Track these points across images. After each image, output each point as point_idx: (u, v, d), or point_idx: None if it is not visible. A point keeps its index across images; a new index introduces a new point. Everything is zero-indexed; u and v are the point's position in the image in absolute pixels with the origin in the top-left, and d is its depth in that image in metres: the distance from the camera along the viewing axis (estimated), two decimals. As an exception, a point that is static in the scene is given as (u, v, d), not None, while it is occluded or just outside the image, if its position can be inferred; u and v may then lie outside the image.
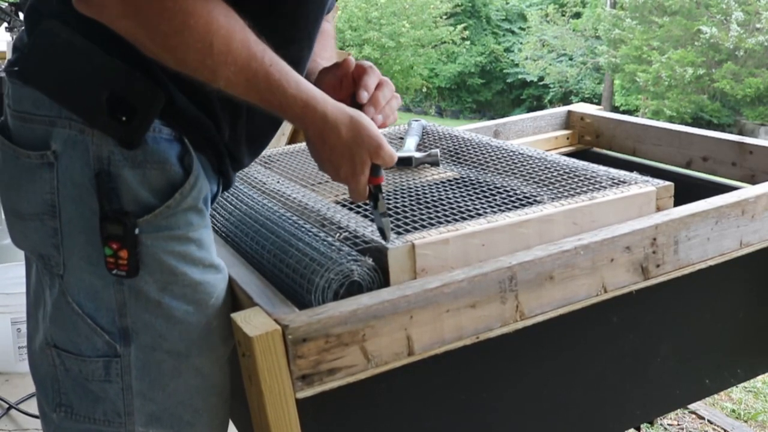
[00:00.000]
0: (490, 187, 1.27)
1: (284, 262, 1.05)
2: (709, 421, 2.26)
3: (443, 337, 1.00)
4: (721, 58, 15.12)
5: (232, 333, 0.95)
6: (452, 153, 1.52)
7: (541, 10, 20.38)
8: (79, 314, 0.92)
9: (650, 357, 1.25)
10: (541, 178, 1.30)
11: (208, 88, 0.88)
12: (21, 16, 3.27)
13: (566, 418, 1.19)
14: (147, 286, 0.92)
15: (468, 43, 19.39)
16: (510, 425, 1.14)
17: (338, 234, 1.08)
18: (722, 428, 2.23)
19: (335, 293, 0.97)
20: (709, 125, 14.36)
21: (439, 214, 1.14)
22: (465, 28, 18.86)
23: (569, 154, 1.75)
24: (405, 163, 1.44)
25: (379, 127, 0.99)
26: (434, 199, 1.23)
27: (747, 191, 1.29)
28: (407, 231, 1.07)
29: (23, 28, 0.93)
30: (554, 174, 1.30)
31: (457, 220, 1.10)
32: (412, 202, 1.21)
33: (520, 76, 20.56)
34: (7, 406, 2.31)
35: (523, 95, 21.24)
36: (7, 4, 3.45)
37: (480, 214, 1.12)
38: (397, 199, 1.24)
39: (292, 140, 3.75)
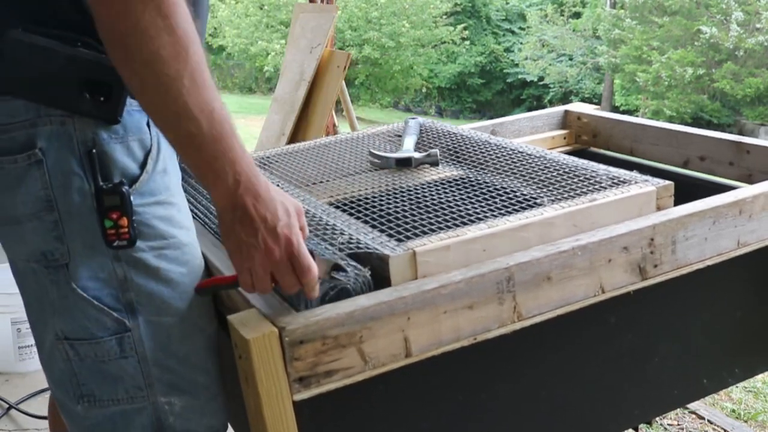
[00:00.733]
0: (491, 188, 1.27)
1: None
2: (709, 421, 2.26)
3: (441, 338, 1.00)
4: (721, 58, 15.10)
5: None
6: (452, 151, 1.52)
7: (540, 10, 20.36)
8: (85, 298, 0.96)
9: (648, 357, 1.25)
10: (541, 178, 1.30)
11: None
12: None
13: (564, 419, 1.19)
14: (144, 255, 0.96)
15: (468, 43, 19.37)
16: (508, 426, 1.14)
17: (338, 239, 1.08)
18: (722, 428, 2.23)
19: (322, 297, 0.97)
20: (709, 125, 14.35)
21: (439, 219, 1.14)
22: (465, 28, 18.85)
23: (566, 154, 1.75)
24: (405, 163, 1.43)
25: None
26: (434, 202, 1.23)
27: (744, 191, 1.29)
28: (408, 238, 1.06)
29: None
30: (554, 174, 1.30)
31: (457, 225, 1.10)
32: (412, 206, 1.21)
33: (520, 76, 20.54)
34: (7, 406, 2.31)
35: (523, 95, 21.22)
36: None
37: (480, 219, 1.12)
38: (397, 202, 1.24)
39: (292, 140, 3.76)
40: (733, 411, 2.36)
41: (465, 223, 1.11)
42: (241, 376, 0.93)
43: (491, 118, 3.71)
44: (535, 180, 1.30)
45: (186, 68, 0.84)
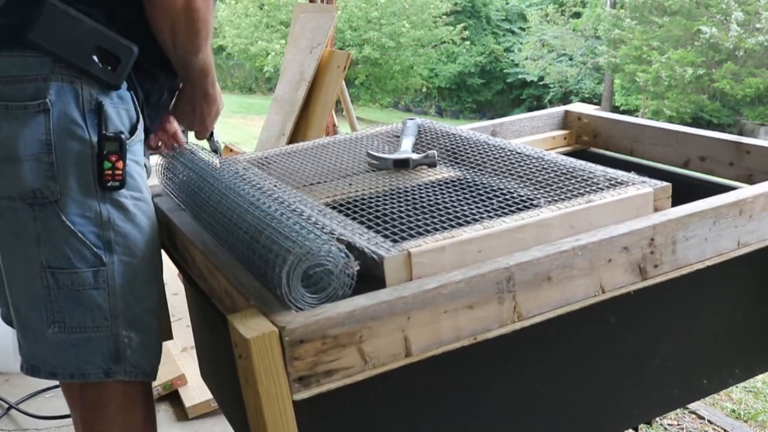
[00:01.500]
0: (487, 189, 1.27)
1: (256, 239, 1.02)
2: (709, 421, 2.26)
3: (441, 338, 1.00)
4: (721, 58, 15.10)
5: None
6: (450, 152, 1.52)
7: (541, 10, 20.36)
8: (72, 231, 1.14)
9: (648, 357, 1.25)
10: (539, 179, 1.29)
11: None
12: None
13: (564, 419, 1.19)
14: (126, 201, 1.18)
15: (468, 43, 19.38)
16: (508, 426, 1.14)
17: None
18: (722, 428, 2.23)
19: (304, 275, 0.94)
20: (708, 125, 14.35)
21: (435, 220, 1.13)
22: (465, 28, 18.85)
23: (566, 155, 1.74)
24: (402, 164, 1.43)
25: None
26: (431, 203, 1.23)
27: (744, 191, 1.29)
28: (403, 238, 1.06)
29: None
30: (551, 175, 1.29)
31: (453, 226, 1.10)
32: (409, 207, 1.21)
33: (520, 76, 20.54)
34: (7, 406, 2.31)
35: (523, 95, 21.21)
36: None
37: (476, 220, 1.12)
38: (393, 203, 1.24)
39: (292, 140, 3.75)
40: (733, 411, 2.36)
41: (461, 224, 1.11)
42: (240, 375, 0.93)
43: (491, 118, 3.70)
44: (532, 181, 1.30)
45: (209, 19, 1.19)
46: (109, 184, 1.14)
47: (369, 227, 1.13)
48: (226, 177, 1.27)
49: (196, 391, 2.31)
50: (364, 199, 1.28)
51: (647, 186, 1.21)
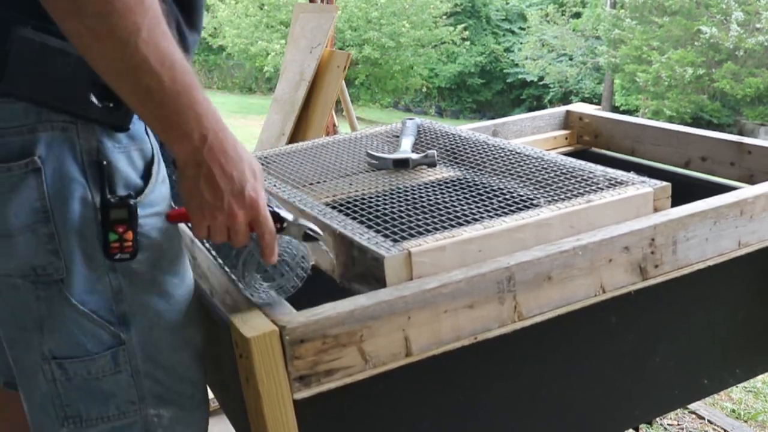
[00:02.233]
0: (487, 189, 1.27)
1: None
2: (709, 421, 2.26)
3: (441, 337, 1.00)
4: (721, 58, 15.10)
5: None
6: (449, 152, 1.52)
7: (541, 10, 20.36)
8: (83, 312, 0.91)
9: (649, 357, 1.25)
10: (539, 179, 1.29)
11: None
12: None
13: (564, 419, 1.19)
14: (140, 266, 0.93)
15: (468, 43, 19.36)
16: (508, 426, 1.14)
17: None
18: (722, 428, 2.23)
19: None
20: (709, 125, 14.34)
21: (435, 220, 1.13)
22: (465, 28, 18.84)
23: (568, 155, 1.75)
24: (402, 164, 1.43)
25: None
26: (431, 202, 1.23)
27: (745, 191, 1.29)
28: (403, 238, 1.06)
29: None
30: (551, 175, 1.29)
31: (453, 226, 1.10)
32: (409, 207, 1.21)
33: (520, 76, 20.53)
34: (6, 406, 2.30)
35: (523, 95, 21.21)
36: None
37: (477, 219, 1.12)
38: (393, 203, 1.24)
39: (292, 140, 3.75)
40: (733, 411, 2.36)
41: (461, 224, 1.11)
42: (241, 374, 0.93)
43: (491, 118, 3.70)
44: (532, 181, 1.30)
45: (144, 19, 0.78)
46: (117, 257, 0.91)
47: (369, 227, 1.13)
48: None
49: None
50: (364, 199, 1.28)
51: (647, 186, 1.21)
